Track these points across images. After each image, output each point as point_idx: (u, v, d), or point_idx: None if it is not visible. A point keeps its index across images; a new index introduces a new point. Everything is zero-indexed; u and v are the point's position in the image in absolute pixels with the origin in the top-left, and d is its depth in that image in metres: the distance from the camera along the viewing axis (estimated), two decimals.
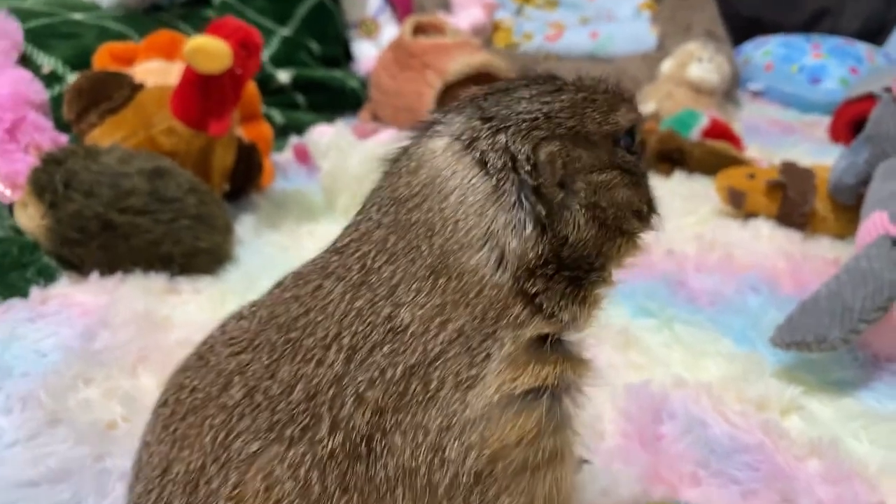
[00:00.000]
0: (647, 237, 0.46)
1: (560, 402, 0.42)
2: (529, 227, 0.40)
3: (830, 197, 1.29)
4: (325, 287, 0.42)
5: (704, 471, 0.70)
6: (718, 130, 1.70)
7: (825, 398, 0.84)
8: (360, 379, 0.39)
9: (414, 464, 0.39)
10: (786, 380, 0.86)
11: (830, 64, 2.35)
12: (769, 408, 0.81)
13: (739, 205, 1.37)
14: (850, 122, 1.92)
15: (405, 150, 0.44)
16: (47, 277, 1.00)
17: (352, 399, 0.39)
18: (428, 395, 0.39)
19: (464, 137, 0.41)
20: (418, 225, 0.41)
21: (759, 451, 0.73)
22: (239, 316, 0.48)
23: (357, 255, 0.42)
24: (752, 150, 1.79)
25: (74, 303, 0.96)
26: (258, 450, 0.40)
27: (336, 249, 0.44)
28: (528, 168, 0.40)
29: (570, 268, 0.41)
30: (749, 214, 1.38)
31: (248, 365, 0.43)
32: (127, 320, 0.90)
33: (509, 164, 0.40)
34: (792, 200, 1.31)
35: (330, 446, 0.39)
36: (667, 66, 2.04)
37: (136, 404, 0.75)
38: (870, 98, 1.83)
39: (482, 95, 0.44)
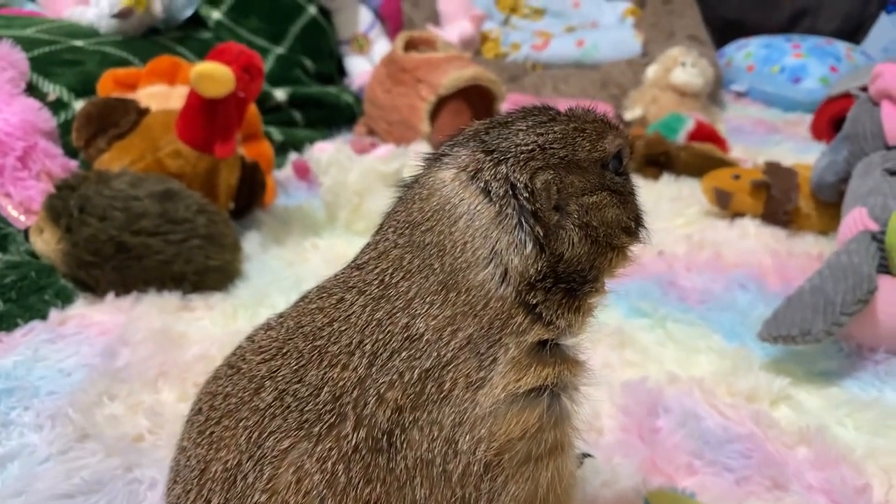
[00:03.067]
0: (635, 249, 0.50)
1: (559, 399, 0.46)
2: (529, 247, 0.44)
3: (813, 195, 1.32)
4: (348, 300, 0.47)
5: (699, 461, 0.74)
6: (704, 133, 1.74)
7: (812, 388, 0.88)
8: (381, 381, 0.44)
9: (430, 455, 0.43)
10: (774, 372, 0.89)
11: (810, 63, 2.39)
12: (759, 399, 0.84)
13: (726, 205, 1.41)
14: (832, 119, 1.96)
15: (417, 178, 0.49)
16: (65, 299, 1.04)
17: (374, 399, 0.44)
18: (442, 395, 0.43)
19: (469, 169, 0.46)
20: (431, 246, 0.45)
21: (751, 440, 0.76)
22: (267, 327, 0.52)
23: (376, 271, 0.47)
24: (736, 151, 1.83)
25: (92, 323, 0.99)
26: (289, 446, 0.44)
27: (356, 266, 0.49)
28: (526, 195, 0.44)
29: (566, 280, 0.46)
30: (735, 214, 1.41)
31: (277, 370, 0.47)
32: (145, 338, 0.93)
33: (510, 192, 0.44)
34: (776, 199, 1.35)
35: (354, 441, 0.43)
36: (651, 71, 2.08)
37: (159, 418, 0.79)
38: (850, 96, 1.87)
39: (484, 129, 0.48)
